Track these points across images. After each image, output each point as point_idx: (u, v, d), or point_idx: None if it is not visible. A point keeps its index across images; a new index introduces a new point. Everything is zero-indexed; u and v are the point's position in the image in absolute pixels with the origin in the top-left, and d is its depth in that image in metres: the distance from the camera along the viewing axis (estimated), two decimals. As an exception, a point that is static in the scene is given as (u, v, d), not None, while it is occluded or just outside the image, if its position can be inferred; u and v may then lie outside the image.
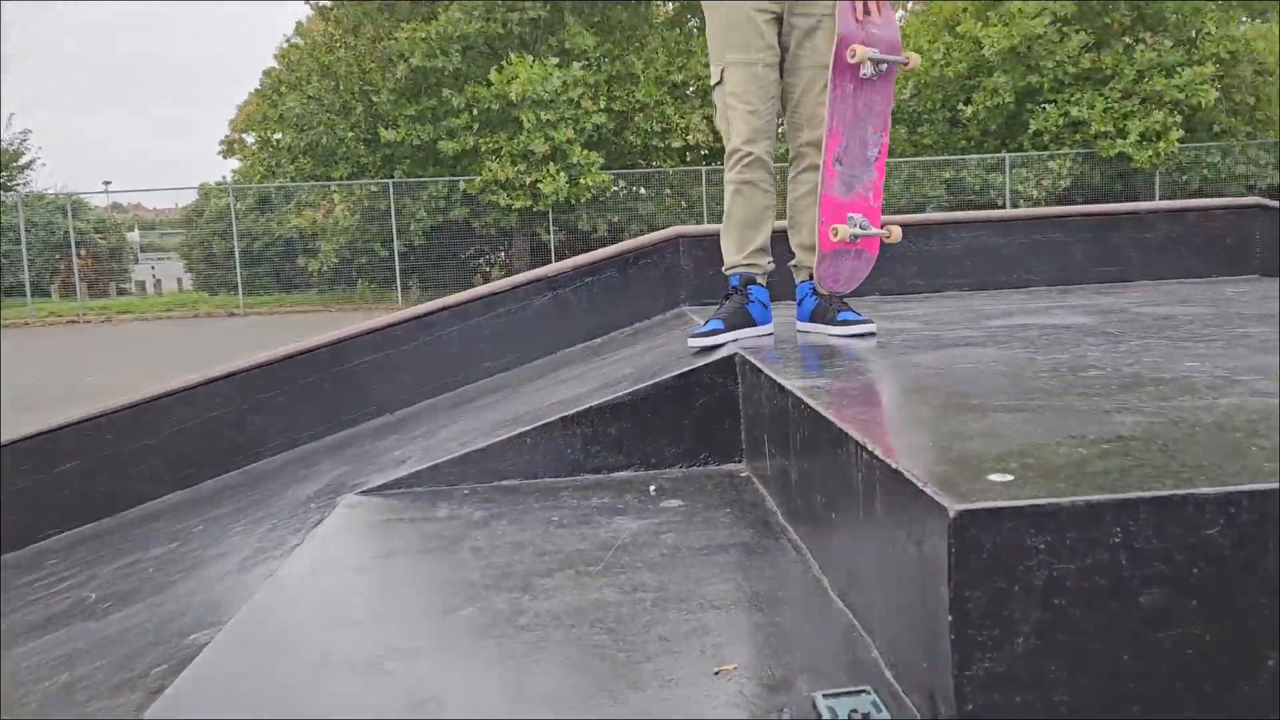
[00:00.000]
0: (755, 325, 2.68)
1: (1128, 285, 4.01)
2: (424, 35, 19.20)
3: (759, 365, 2.27)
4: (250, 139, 24.67)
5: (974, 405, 1.67)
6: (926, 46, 21.13)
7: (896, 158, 22.29)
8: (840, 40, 2.57)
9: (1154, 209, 4.23)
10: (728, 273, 2.77)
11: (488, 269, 22.56)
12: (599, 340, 3.86)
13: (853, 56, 2.53)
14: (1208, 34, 18.44)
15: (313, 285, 22.42)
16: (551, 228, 20.84)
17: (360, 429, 3.62)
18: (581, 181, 19.27)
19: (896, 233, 2.69)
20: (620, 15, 21.05)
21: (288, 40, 22.92)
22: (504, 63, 19.01)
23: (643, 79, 20.11)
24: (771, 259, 2.79)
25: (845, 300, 2.75)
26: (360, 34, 20.50)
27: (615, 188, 20.71)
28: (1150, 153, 18.89)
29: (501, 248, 23.10)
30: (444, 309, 3.83)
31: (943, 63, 20.63)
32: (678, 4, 22.31)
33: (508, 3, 19.20)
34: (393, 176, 20.91)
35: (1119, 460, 1.22)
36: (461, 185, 20.26)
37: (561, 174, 19.10)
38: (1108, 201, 20.40)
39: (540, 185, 19.17)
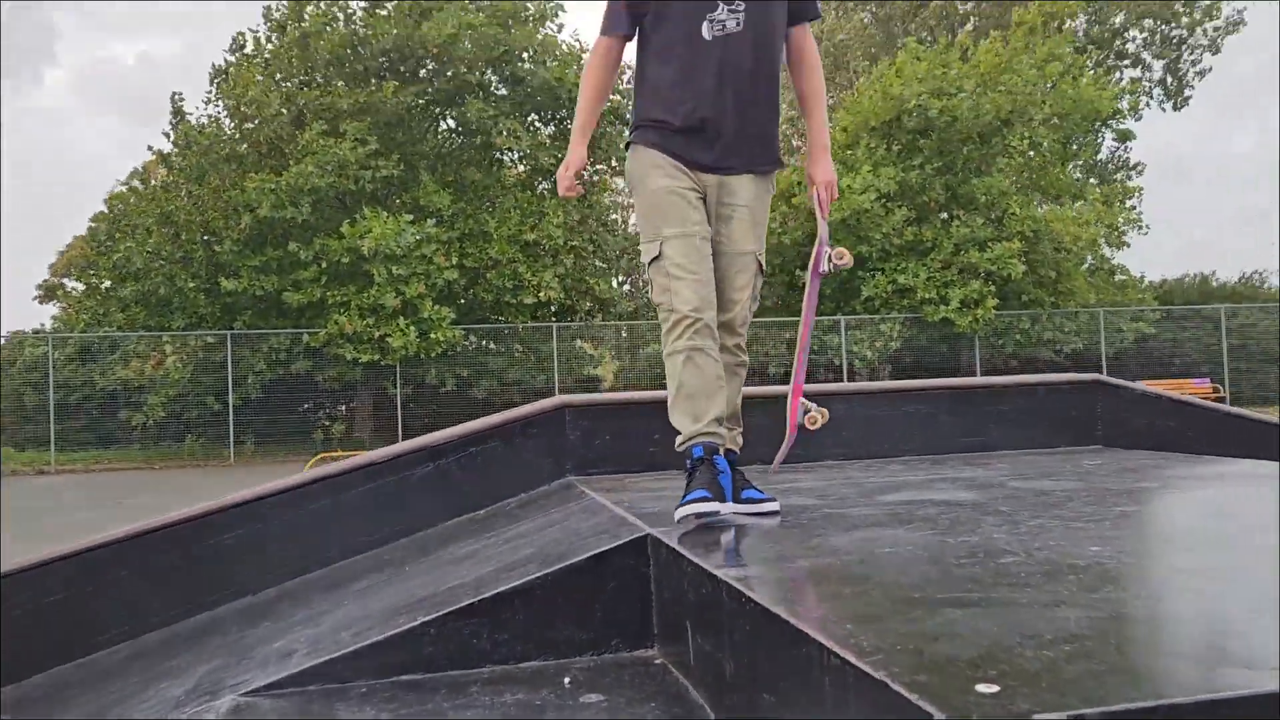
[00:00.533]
0: (725, 500, 2.55)
1: (989, 455, 4.21)
2: (273, 187, 19.04)
3: (678, 549, 2.23)
4: (73, 285, 23.52)
5: (916, 599, 1.68)
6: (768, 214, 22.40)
7: (739, 318, 23.24)
8: (820, 243, 2.79)
9: (1007, 383, 4.50)
10: (685, 446, 2.65)
11: (328, 423, 21.87)
12: (483, 512, 3.75)
13: (840, 259, 2.75)
14: (1013, 214, 20.36)
15: (135, 441, 21.10)
16: (399, 382, 20.50)
17: (222, 613, 3.34)
18: (432, 336, 19.16)
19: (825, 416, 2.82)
20: (474, 175, 21.51)
21: (121, 184, 22.31)
22: (357, 217, 19.00)
23: (496, 237, 20.45)
24: (732, 431, 2.76)
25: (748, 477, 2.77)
26: (205, 183, 20.14)
27: (465, 342, 20.68)
28: (970, 318, 20.42)
29: (343, 402, 22.52)
30: (318, 480, 3.65)
31: (779, 231, 21.89)
32: (528, 167, 23.05)
33: (361, 160, 19.34)
34: (232, 328, 20.23)
35: (1087, 664, 1.24)
36: (305, 338, 19.80)
37: (412, 328, 18.96)
38: (933, 362, 21.81)
39: (389, 339, 18.94)
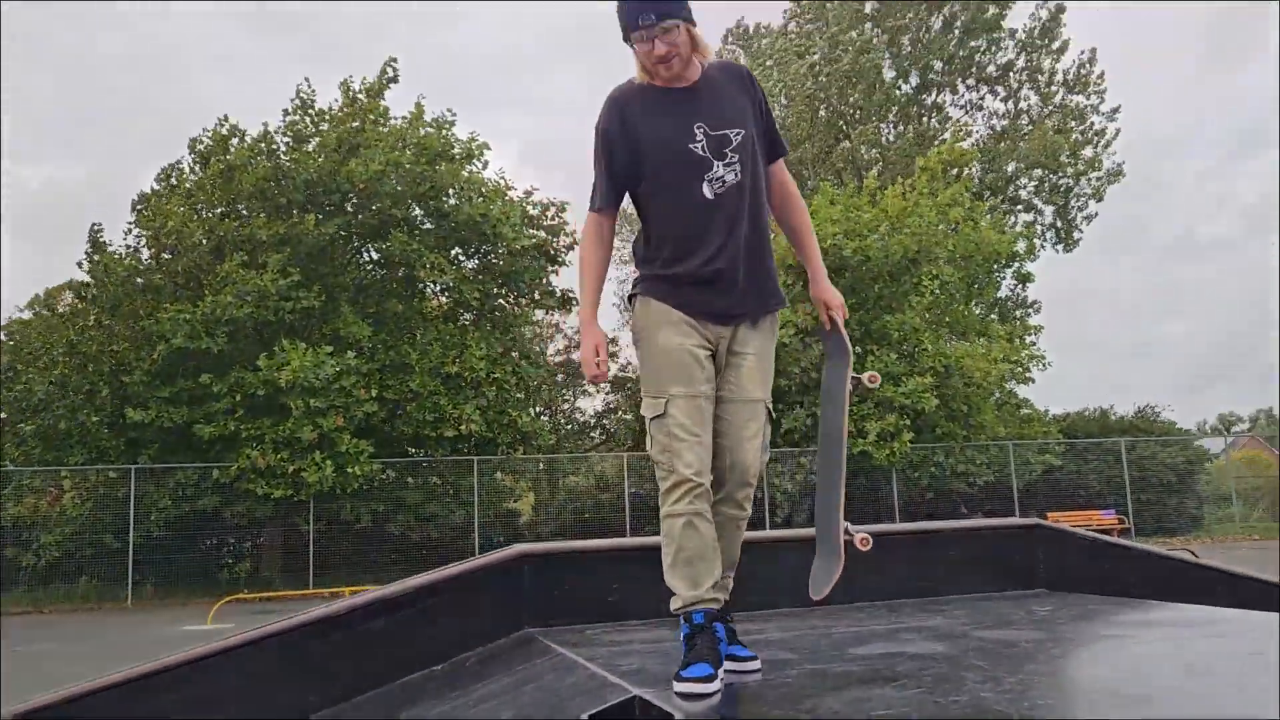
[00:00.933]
0: (722, 663, 2.52)
1: (941, 601, 4.26)
2: (189, 317, 18.69)
3: (672, 713, 2.20)
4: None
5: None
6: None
7: (661, 451, 23.31)
8: (848, 365, 2.88)
9: (956, 528, 4.60)
10: (684, 610, 2.60)
11: (232, 562, 20.94)
12: (442, 668, 3.62)
13: (873, 381, 2.85)
14: (924, 350, 21.13)
15: (21, 583, 19.83)
16: (312, 517, 19.86)
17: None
18: (349, 470, 18.71)
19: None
20: (396, 307, 21.48)
21: (21, 310, 21.66)
22: (275, 349, 18.71)
23: (417, 369, 20.30)
24: (725, 579, 2.76)
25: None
26: (118, 313, 19.67)
27: (383, 476, 20.23)
28: (887, 451, 20.86)
29: (249, 538, 21.67)
30: (267, 636, 3.49)
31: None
32: (450, 300, 23.14)
33: (282, 291, 19.18)
34: (136, 462, 19.45)
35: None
36: (215, 473, 19.14)
37: (328, 462, 18.50)
38: (852, 494, 22.05)
39: (304, 474, 18.42)
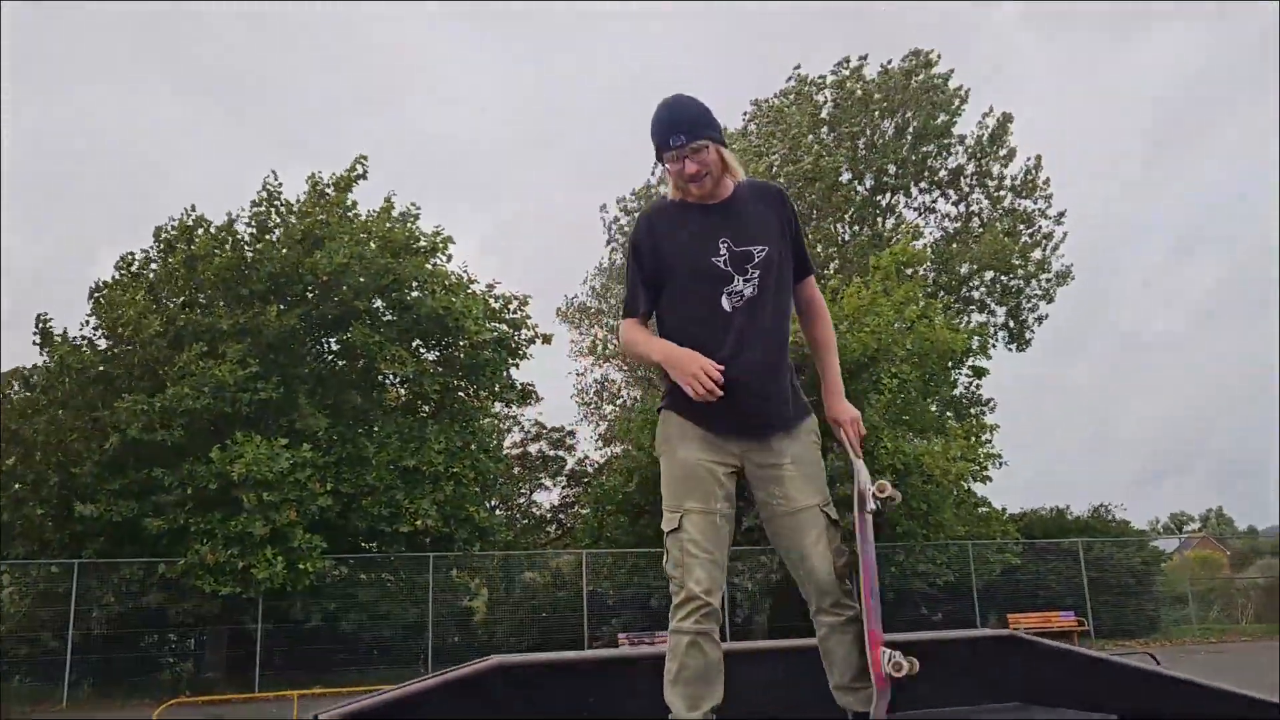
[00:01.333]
0: None
1: (919, 714, 4.19)
2: (144, 408, 18.32)
3: None
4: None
5: None
6: (648, 443, 22.77)
7: (621, 548, 23.04)
8: (862, 485, 2.83)
9: (934, 639, 4.55)
10: None
11: (173, 661, 20.16)
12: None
13: (883, 492, 2.83)
14: (884, 448, 21.23)
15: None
16: (260, 616, 19.23)
17: None
18: (300, 567, 18.21)
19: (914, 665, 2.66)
20: (354, 399, 21.26)
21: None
22: (228, 441, 18.36)
23: (374, 462, 19.99)
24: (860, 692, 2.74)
25: None
26: (70, 404, 19.24)
27: (335, 573, 19.70)
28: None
29: (193, 637, 20.92)
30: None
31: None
32: (408, 391, 22.96)
33: (240, 382, 18.91)
34: (80, 556, 18.79)
35: None
36: (161, 568, 18.53)
37: (279, 558, 18.00)
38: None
39: (253, 570, 17.89)
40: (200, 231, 20.87)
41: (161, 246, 21.42)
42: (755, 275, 2.75)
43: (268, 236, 21.04)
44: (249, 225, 21.20)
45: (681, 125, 2.70)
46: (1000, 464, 24.18)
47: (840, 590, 2.76)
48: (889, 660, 2.70)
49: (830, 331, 3.00)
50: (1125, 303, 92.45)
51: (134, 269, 21.44)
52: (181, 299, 20.78)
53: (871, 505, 2.83)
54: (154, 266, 21.42)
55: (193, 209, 21.37)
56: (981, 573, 23.64)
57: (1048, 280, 34.87)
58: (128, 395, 18.63)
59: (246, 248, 20.87)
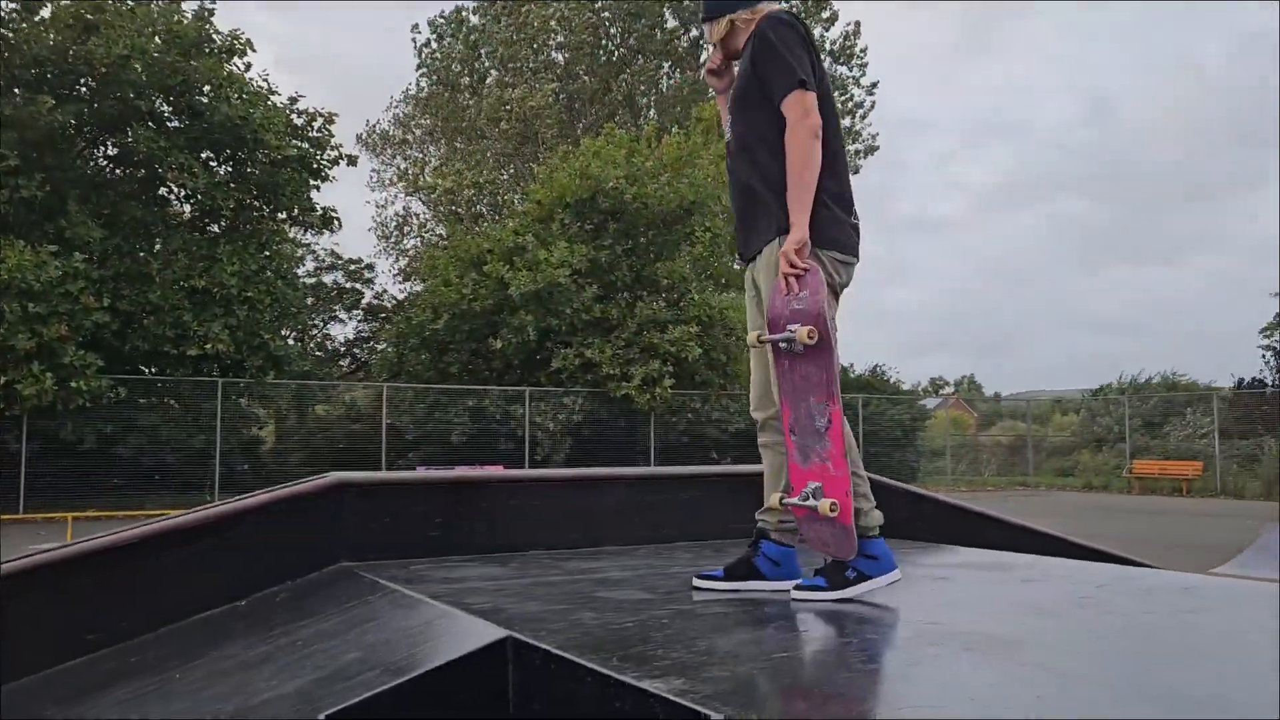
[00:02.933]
0: (763, 579, 2.80)
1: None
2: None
3: (549, 651, 2.07)
4: None
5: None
6: (455, 280, 22.24)
7: (423, 383, 22.75)
8: (769, 321, 2.67)
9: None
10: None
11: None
12: (245, 603, 3.29)
13: (751, 342, 2.81)
14: (692, 299, 21.70)
15: None
16: (24, 437, 17.84)
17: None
18: (73, 385, 16.89)
19: (825, 507, 2.61)
20: (134, 210, 19.48)
21: None
22: (-14, 244, 16.51)
23: (158, 280, 18.54)
24: (785, 518, 2.83)
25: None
26: None
27: (112, 394, 18.35)
28: (648, 396, 21.35)
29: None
30: (39, 567, 3.03)
31: (470, 297, 21.79)
32: (196, 207, 21.27)
33: (-2, 178, 16.89)
34: None
35: None
36: (-97, 381, 16.73)
37: (48, 375, 16.60)
38: (612, 435, 22.51)
39: (18, 386, 16.45)
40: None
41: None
42: (729, 120, 2.98)
43: (33, 17, 18.46)
44: (10, 1, 18.51)
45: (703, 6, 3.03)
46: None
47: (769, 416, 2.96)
48: (804, 496, 2.70)
49: (790, 164, 2.68)
50: (914, 185, 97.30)
51: None
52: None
53: (774, 337, 2.73)
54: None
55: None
56: (769, 422, 24.94)
57: (855, 150, 35.96)
58: None
59: (7, 26, 18.26)
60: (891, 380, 32.00)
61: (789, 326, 2.65)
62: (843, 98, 35.92)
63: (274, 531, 3.46)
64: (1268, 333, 28.03)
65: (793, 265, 2.61)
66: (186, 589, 3.22)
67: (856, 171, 36.47)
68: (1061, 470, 30.85)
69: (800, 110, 2.68)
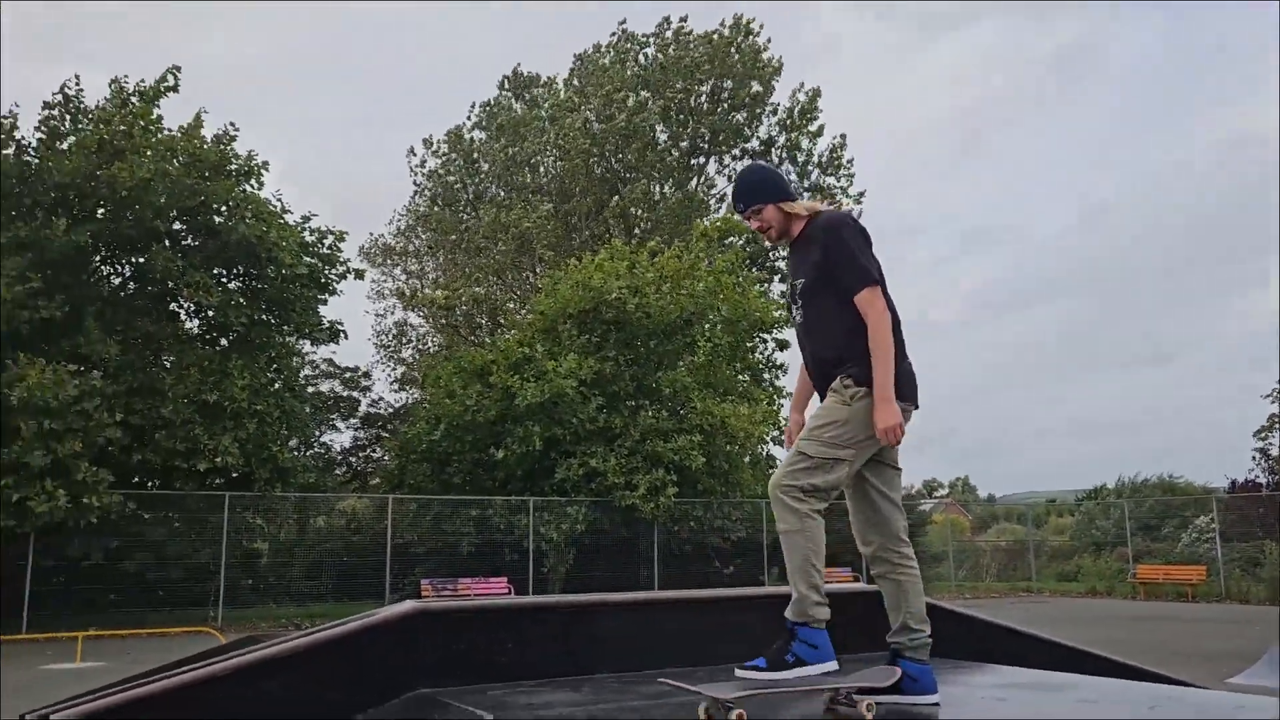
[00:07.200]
0: (903, 694, 3.03)
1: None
2: (-102, 320, 16.43)
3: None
4: None
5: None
6: (459, 391, 22.52)
7: (428, 494, 22.81)
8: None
9: (836, 590, 4.88)
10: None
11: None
12: (333, 732, 3.44)
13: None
14: (694, 408, 22.00)
15: None
16: (31, 552, 17.78)
17: None
18: (85, 501, 16.96)
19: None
20: (145, 326, 19.85)
21: None
22: (7, 362, 16.75)
23: (170, 395, 18.79)
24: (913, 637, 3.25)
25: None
26: None
27: (122, 510, 18.36)
28: (653, 504, 21.45)
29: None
30: (144, 699, 3.20)
31: (474, 409, 22.05)
32: (204, 322, 21.63)
33: (19, 299, 17.25)
34: None
35: None
36: (-80, 501, 16.76)
37: (61, 492, 16.68)
38: (614, 545, 22.49)
39: (30, 503, 16.51)
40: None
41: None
42: (799, 304, 3.34)
43: (59, 144, 19.12)
44: (37, 130, 19.20)
45: (737, 198, 3.43)
46: (800, 427, 25.44)
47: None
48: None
49: (874, 343, 3.15)
50: (910, 288, 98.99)
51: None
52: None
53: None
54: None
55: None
56: (771, 530, 24.89)
57: (846, 257, 36.70)
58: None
59: (30, 154, 18.91)
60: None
61: None
62: (831, 205, 36.80)
63: (355, 660, 3.64)
64: (1262, 435, 28.38)
65: (894, 434, 3.12)
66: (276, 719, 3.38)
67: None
68: (1063, 575, 30.74)
69: (880, 306, 3.17)
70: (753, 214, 3.38)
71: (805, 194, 37.13)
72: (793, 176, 37.72)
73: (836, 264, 3.22)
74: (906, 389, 3.20)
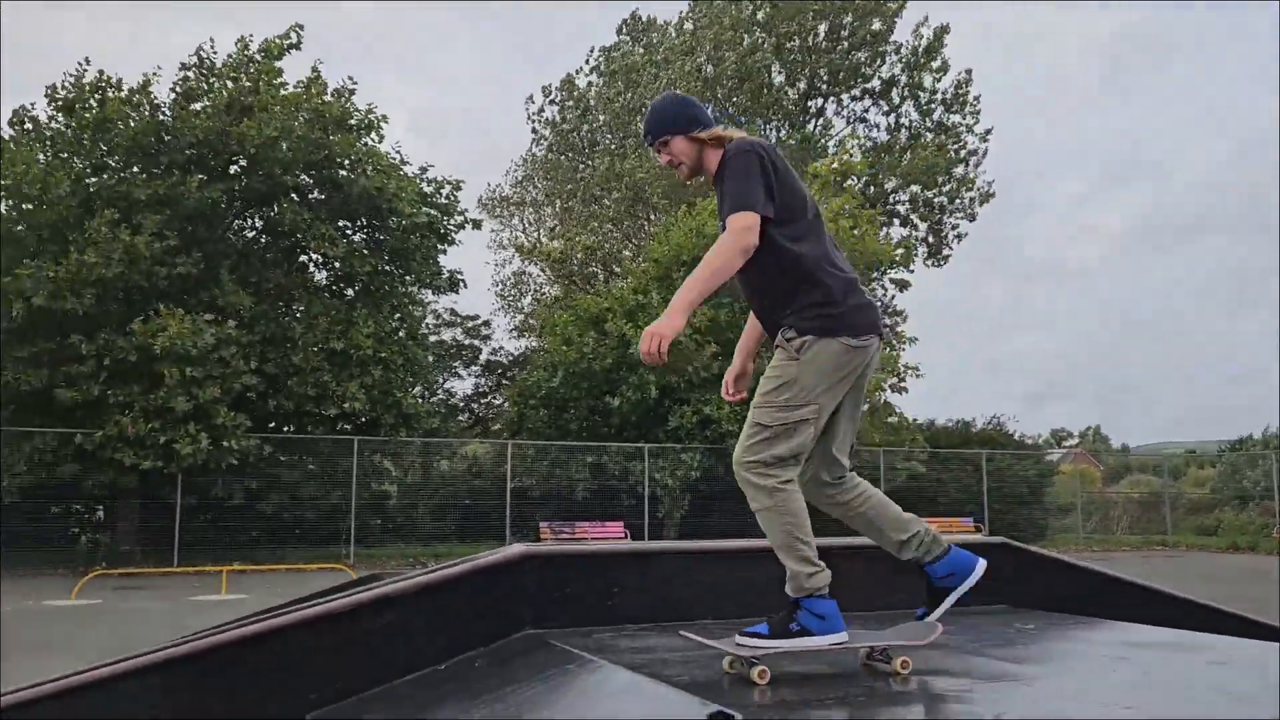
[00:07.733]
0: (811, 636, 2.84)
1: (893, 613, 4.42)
2: (52, 274, 17.48)
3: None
4: None
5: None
6: (575, 339, 22.77)
7: (545, 440, 23.24)
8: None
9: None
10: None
11: (90, 534, 19.80)
12: (443, 667, 3.55)
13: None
14: (810, 354, 21.67)
15: None
16: (179, 492, 18.91)
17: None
18: (225, 444, 17.90)
19: None
20: (277, 278, 20.67)
21: None
22: (150, 313, 17.71)
23: (300, 343, 19.57)
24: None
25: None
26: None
27: (258, 453, 19.34)
28: (770, 451, 21.29)
29: (109, 511, 20.50)
30: (268, 633, 3.35)
31: (591, 356, 22.27)
32: (331, 273, 22.40)
33: (157, 255, 18.15)
34: (-12, 424, 18.09)
35: None
36: (79, 439, 17.98)
37: (203, 435, 17.65)
38: (729, 492, 22.49)
39: (176, 445, 17.52)
40: (110, 93, 19.53)
41: (58, 105, 19.87)
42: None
43: (191, 104, 19.89)
44: (173, 90, 20.01)
45: (646, 130, 3.10)
46: (918, 375, 24.97)
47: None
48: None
49: (706, 259, 2.85)
50: (1042, 228, 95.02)
51: (27, 127, 19.97)
52: (90, 161, 19.63)
53: None
54: (56, 125, 19.99)
55: (87, 63, 19.83)
56: (889, 478, 24.59)
57: (971, 198, 35.51)
58: (29, 261, 17.70)
59: (164, 113, 19.73)
60: (1015, 435, 31.16)
61: None
62: (955, 145, 35.53)
63: (468, 600, 3.73)
64: None
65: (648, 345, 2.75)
66: (395, 652, 3.50)
67: (974, 220, 35.98)
68: (1202, 529, 29.39)
69: (736, 228, 2.78)
70: (660, 146, 3.03)
71: (927, 133, 35.93)
72: (915, 115, 36.42)
73: (723, 196, 2.89)
74: (859, 320, 2.84)
